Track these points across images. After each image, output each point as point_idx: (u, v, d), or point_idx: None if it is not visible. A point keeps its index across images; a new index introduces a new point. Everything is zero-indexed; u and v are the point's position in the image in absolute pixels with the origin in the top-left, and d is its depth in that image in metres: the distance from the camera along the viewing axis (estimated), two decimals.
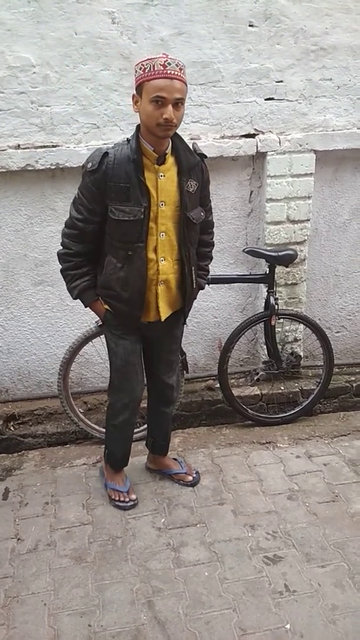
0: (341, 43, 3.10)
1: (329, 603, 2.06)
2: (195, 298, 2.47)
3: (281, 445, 3.06)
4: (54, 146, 2.97)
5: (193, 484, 2.74)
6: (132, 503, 2.61)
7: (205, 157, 2.29)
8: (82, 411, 3.17)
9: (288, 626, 1.97)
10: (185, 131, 3.07)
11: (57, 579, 2.22)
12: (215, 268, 3.32)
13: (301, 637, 1.92)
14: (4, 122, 2.92)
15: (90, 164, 2.13)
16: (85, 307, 2.38)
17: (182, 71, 1.98)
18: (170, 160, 2.16)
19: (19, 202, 3.07)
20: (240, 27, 2.98)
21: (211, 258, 2.56)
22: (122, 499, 2.61)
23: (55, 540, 2.43)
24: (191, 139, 3.07)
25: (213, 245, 2.54)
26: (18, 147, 2.95)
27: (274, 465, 2.89)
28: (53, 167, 2.97)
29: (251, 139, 3.13)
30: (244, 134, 3.14)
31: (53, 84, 2.90)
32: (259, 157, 3.19)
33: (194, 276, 2.35)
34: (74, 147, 2.98)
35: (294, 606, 2.05)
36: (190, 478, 2.75)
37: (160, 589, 2.15)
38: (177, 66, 1.96)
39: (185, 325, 2.56)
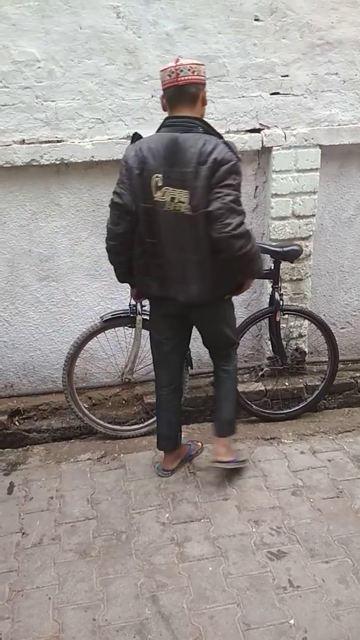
0: (347, 37, 3.08)
1: (333, 598, 2.06)
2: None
3: (285, 441, 3.06)
4: (58, 141, 2.97)
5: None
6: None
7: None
8: (86, 406, 3.18)
9: (292, 621, 1.97)
10: None
11: (62, 573, 2.23)
12: None
13: (305, 632, 1.93)
14: (9, 117, 2.92)
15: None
16: None
17: (198, 73, 2.19)
18: None
19: (23, 197, 3.07)
20: (246, 21, 2.96)
21: None
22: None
23: (59, 535, 2.44)
24: None
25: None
26: (23, 142, 2.95)
27: (278, 461, 2.89)
28: (58, 162, 2.97)
29: (256, 134, 3.11)
30: (249, 128, 3.13)
31: (58, 78, 2.90)
32: (264, 152, 3.18)
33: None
34: (79, 142, 2.98)
35: (297, 601, 2.05)
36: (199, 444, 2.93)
37: (165, 583, 2.16)
38: (194, 69, 2.18)
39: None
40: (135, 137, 2.36)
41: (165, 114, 2.30)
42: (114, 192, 2.32)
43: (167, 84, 2.21)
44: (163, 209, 2.25)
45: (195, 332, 3.44)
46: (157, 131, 2.29)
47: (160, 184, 2.22)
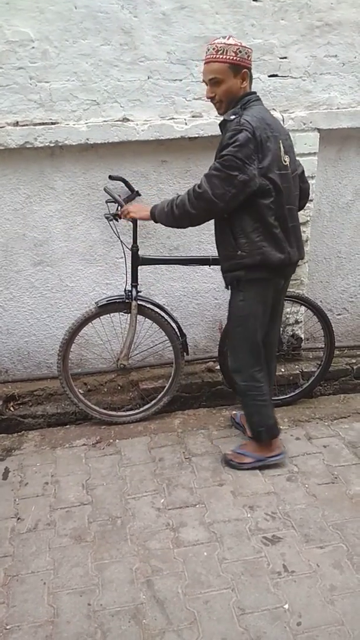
0: (347, 19, 3.03)
1: (328, 583, 2.06)
2: (225, 259, 2.54)
3: (281, 427, 3.04)
4: (53, 123, 2.92)
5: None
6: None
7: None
8: (81, 392, 3.17)
9: (286, 606, 1.98)
10: (187, 108, 3.03)
11: (57, 558, 2.23)
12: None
13: (299, 617, 1.93)
14: (2, 98, 2.87)
15: None
16: None
17: (218, 52, 2.30)
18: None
19: (17, 180, 3.03)
20: (244, 1, 2.91)
21: (176, 198, 2.50)
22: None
23: (55, 520, 2.44)
24: (193, 116, 3.03)
25: (187, 192, 2.44)
26: (16, 124, 2.90)
27: None
28: (52, 144, 2.92)
29: None
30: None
31: (52, 59, 2.84)
32: None
33: (218, 236, 2.56)
34: (74, 125, 2.93)
35: (292, 586, 2.06)
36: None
37: (160, 568, 2.16)
38: (215, 49, 2.32)
39: (238, 294, 2.56)
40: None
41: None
42: (233, 168, 2.26)
43: (250, 62, 2.37)
44: (289, 173, 2.43)
45: (192, 318, 3.43)
46: (249, 103, 2.36)
47: (282, 149, 2.39)
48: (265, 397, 2.68)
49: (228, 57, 2.30)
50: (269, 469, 2.70)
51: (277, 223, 2.41)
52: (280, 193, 2.37)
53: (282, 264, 2.47)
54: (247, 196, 2.33)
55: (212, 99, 2.42)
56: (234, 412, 3.14)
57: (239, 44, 2.32)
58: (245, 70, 2.34)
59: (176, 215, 2.45)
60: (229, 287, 2.62)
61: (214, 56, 2.32)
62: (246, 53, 2.33)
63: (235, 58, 2.31)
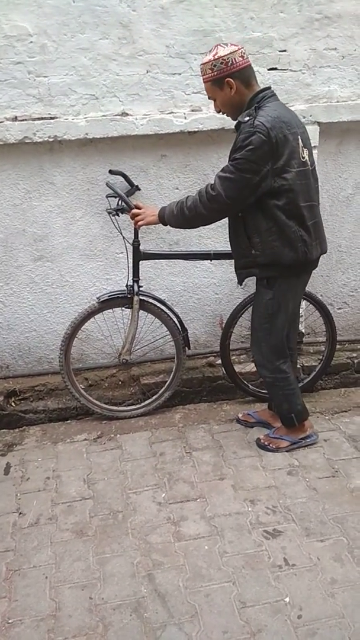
0: (346, 11, 3.01)
1: (328, 577, 2.07)
2: (239, 256, 2.60)
3: None
4: (52, 118, 2.91)
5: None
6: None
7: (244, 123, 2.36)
8: (83, 387, 3.17)
9: (287, 599, 1.99)
10: (186, 102, 3.01)
11: (59, 553, 2.24)
12: (217, 244, 3.28)
13: (300, 610, 1.94)
14: (1, 93, 2.86)
15: None
16: None
17: (202, 74, 2.40)
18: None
19: (17, 175, 3.03)
20: None
21: (185, 200, 2.51)
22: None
23: (56, 515, 2.45)
24: (192, 110, 3.02)
25: (199, 194, 2.45)
26: (15, 119, 2.90)
27: None
28: (51, 139, 2.91)
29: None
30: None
31: (51, 53, 2.83)
32: None
33: (232, 235, 2.59)
34: (73, 119, 2.92)
35: (293, 580, 2.07)
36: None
37: (161, 562, 2.17)
38: (201, 70, 2.41)
39: (267, 292, 2.60)
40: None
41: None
42: (247, 171, 2.29)
43: (244, 64, 2.36)
44: (308, 168, 2.43)
45: (192, 312, 3.43)
46: (263, 101, 2.36)
47: (301, 144, 2.39)
48: (292, 385, 2.75)
49: (207, 75, 2.38)
50: (269, 462, 2.71)
51: (293, 222, 2.41)
52: (297, 192, 2.37)
53: (296, 262, 2.48)
54: (259, 197, 2.35)
55: (219, 112, 2.52)
56: (243, 413, 3.11)
57: (213, 59, 2.33)
58: (227, 79, 2.34)
59: (187, 217, 2.49)
60: (241, 283, 2.73)
61: (202, 78, 2.42)
62: (222, 62, 2.32)
63: (212, 74, 2.36)
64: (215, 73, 2.34)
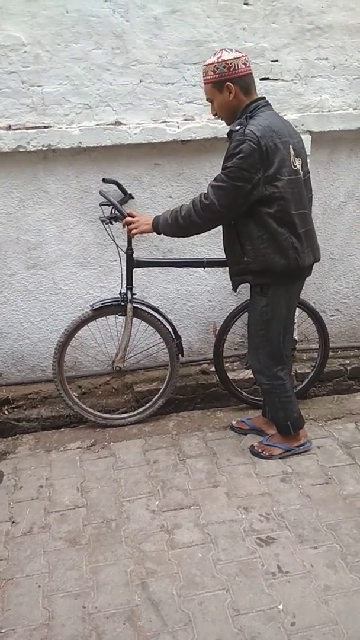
0: (337, 22, 3.05)
1: (322, 584, 2.07)
2: (233, 263, 2.63)
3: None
4: (45, 127, 2.93)
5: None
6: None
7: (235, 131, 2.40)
8: (76, 395, 3.17)
9: (281, 606, 1.99)
10: (179, 112, 3.04)
11: (52, 562, 2.23)
12: (210, 251, 3.30)
13: (294, 617, 1.94)
14: None
15: None
16: None
17: (203, 74, 2.43)
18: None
19: (10, 184, 3.03)
20: (235, 5, 2.92)
21: (179, 209, 2.53)
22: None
23: (49, 523, 2.44)
24: (185, 119, 3.04)
25: (193, 203, 2.48)
26: (9, 128, 2.91)
27: None
28: (45, 148, 2.93)
29: None
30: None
31: (44, 63, 2.85)
32: None
33: (225, 242, 2.62)
34: (66, 128, 2.94)
35: (286, 587, 2.07)
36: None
37: (154, 570, 2.17)
38: (203, 71, 2.43)
39: (261, 299, 2.62)
40: None
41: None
42: (239, 179, 2.32)
43: (245, 71, 2.39)
44: (300, 177, 2.46)
45: (186, 320, 3.44)
46: (255, 110, 2.40)
47: (292, 153, 2.42)
48: (289, 393, 2.76)
49: (208, 77, 2.41)
50: (263, 470, 2.71)
51: (284, 230, 2.43)
52: (288, 200, 2.39)
53: (287, 269, 2.50)
54: (251, 204, 2.37)
55: (215, 115, 2.54)
56: (236, 420, 3.11)
57: (216, 61, 2.36)
58: (228, 83, 2.37)
59: (182, 225, 2.52)
60: (235, 290, 2.76)
61: (203, 79, 2.45)
62: (225, 66, 2.35)
63: (214, 76, 2.39)
64: (217, 76, 2.37)
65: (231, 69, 2.36)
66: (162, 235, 2.68)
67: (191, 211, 2.46)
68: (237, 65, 2.36)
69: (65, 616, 1.99)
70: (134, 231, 2.71)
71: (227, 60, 2.35)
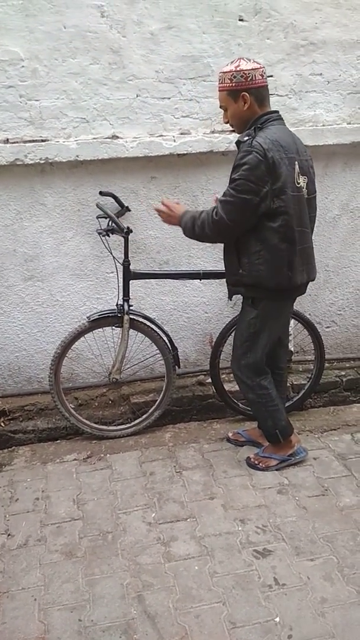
0: (331, 38, 3.10)
1: (318, 596, 2.07)
2: (229, 273, 2.64)
3: None
4: (43, 140, 2.96)
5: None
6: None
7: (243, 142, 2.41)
8: (73, 407, 3.17)
9: (277, 619, 1.98)
10: (175, 126, 3.07)
11: (48, 574, 2.22)
12: (207, 263, 3.32)
13: (290, 629, 1.94)
14: None
15: None
16: None
17: (219, 81, 2.43)
18: None
19: (7, 197, 3.06)
20: (230, 21, 2.97)
21: (199, 215, 2.54)
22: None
23: (45, 536, 2.43)
24: (181, 133, 3.07)
25: (207, 214, 2.49)
26: (7, 141, 2.94)
27: None
28: (42, 161, 2.95)
29: None
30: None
31: (42, 77, 2.89)
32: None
33: (225, 252, 2.63)
34: (64, 142, 2.96)
35: (283, 599, 2.06)
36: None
37: (151, 583, 2.16)
38: (219, 78, 2.43)
39: (251, 311, 2.64)
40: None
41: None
42: (246, 192, 2.33)
43: (262, 83, 2.42)
44: (302, 195, 2.46)
45: (182, 331, 3.45)
46: (266, 123, 2.41)
47: (297, 170, 2.41)
48: (274, 401, 2.75)
49: (225, 84, 2.41)
50: (259, 481, 2.71)
51: (284, 246, 2.43)
52: (291, 215, 2.40)
53: (279, 287, 2.51)
54: (257, 217, 2.38)
55: (227, 123, 2.55)
56: (232, 432, 3.11)
57: (234, 69, 2.37)
58: (243, 93, 2.38)
59: (197, 233, 2.55)
60: (231, 298, 2.79)
61: (219, 85, 2.45)
62: (242, 76, 2.36)
63: (231, 84, 2.39)
64: (234, 84, 2.38)
65: (248, 79, 2.37)
66: (158, 247, 2.70)
67: (204, 223, 2.47)
68: (255, 76, 2.38)
69: (61, 629, 1.98)
70: (164, 221, 2.72)
71: (245, 70, 2.37)
